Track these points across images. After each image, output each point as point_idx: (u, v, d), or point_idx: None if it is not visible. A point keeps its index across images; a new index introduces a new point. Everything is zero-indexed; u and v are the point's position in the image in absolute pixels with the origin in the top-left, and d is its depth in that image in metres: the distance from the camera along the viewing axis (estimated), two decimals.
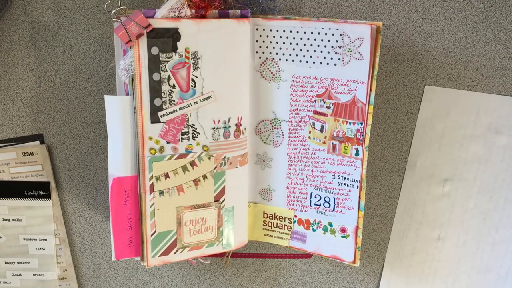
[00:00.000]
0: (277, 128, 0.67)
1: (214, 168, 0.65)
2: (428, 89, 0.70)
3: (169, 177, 0.63)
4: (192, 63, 0.61)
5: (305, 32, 0.62)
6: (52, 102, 0.70)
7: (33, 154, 0.71)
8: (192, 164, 0.64)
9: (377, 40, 0.60)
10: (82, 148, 0.72)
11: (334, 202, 0.67)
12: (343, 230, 0.67)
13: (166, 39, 0.59)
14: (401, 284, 0.77)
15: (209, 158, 0.64)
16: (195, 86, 0.61)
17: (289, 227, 0.70)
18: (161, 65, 0.59)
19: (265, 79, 0.66)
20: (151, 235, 0.64)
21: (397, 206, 0.75)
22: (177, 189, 0.64)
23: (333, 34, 0.61)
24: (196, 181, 0.64)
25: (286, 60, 0.64)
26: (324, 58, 0.63)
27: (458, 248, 0.75)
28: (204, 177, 0.64)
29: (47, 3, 0.67)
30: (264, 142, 0.68)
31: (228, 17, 0.61)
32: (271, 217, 0.71)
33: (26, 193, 0.71)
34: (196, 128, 0.63)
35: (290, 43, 0.63)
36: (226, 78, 0.63)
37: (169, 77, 0.60)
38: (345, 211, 0.66)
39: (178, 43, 0.59)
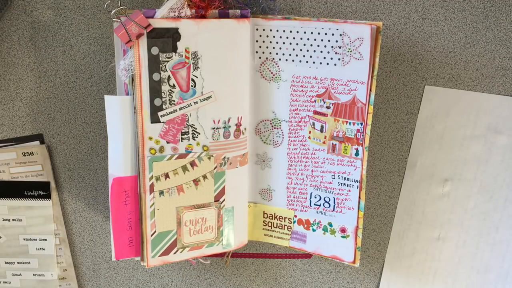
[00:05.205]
0: (277, 128, 0.67)
1: (214, 168, 0.65)
2: (428, 89, 0.70)
3: (169, 177, 0.63)
4: (192, 63, 0.61)
5: (305, 32, 0.62)
6: (52, 102, 0.70)
7: (33, 154, 0.71)
8: (192, 164, 0.64)
9: (377, 40, 0.60)
10: (82, 148, 0.72)
11: (334, 202, 0.67)
12: (343, 230, 0.67)
13: (166, 39, 0.59)
14: (401, 284, 0.77)
15: (209, 158, 0.64)
16: (195, 86, 0.61)
17: (289, 227, 0.70)
18: (161, 65, 0.59)
19: (265, 79, 0.66)
20: (151, 235, 0.64)
21: (397, 206, 0.75)
22: (177, 189, 0.64)
23: (333, 34, 0.61)
24: (196, 181, 0.64)
25: (286, 60, 0.64)
26: (324, 58, 0.63)
27: (458, 248, 0.75)
28: (204, 177, 0.64)
29: (47, 3, 0.67)
30: (264, 142, 0.69)
31: (228, 17, 0.61)
32: (271, 217, 0.71)
33: (26, 193, 0.71)
34: (196, 128, 0.63)
35: (290, 43, 0.63)
36: (226, 78, 0.63)
37: (169, 77, 0.60)
38: (345, 211, 0.66)
39: (178, 43, 0.59)
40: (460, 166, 0.72)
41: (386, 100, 0.71)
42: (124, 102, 0.60)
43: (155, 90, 0.60)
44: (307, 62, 0.64)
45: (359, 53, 0.60)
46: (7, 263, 0.74)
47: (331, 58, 0.62)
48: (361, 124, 0.63)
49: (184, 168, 0.63)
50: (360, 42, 0.60)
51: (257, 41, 0.65)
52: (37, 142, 0.71)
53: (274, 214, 0.70)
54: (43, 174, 0.72)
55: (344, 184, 0.65)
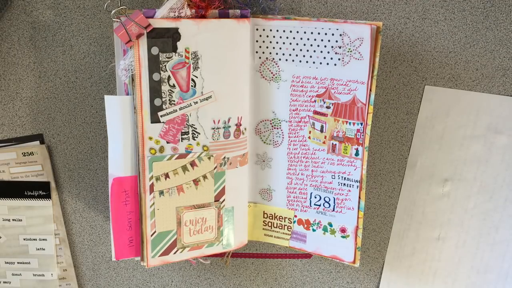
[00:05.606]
0: (277, 128, 0.67)
1: (214, 168, 0.65)
2: (428, 89, 0.70)
3: (169, 177, 0.63)
4: (192, 63, 0.61)
5: (305, 32, 0.62)
6: (52, 102, 0.70)
7: (33, 154, 0.71)
8: (192, 164, 0.64)
9: (377, 40, 0.60)
10: (82, 148, 0.72)
11: (334, 202, 0.67)
12: (343, 230, 0.67)
13: (166, 39, 0.59)
14: (401, 284, 0.77)
15: (209, 158, 0.64)
16: (195, 86, 0.61)
17: (289, 227, 0.70)
18: (161, 65, 0.59)
19: (265, 79, 0.66)
20: (151, 235, 0.64)
21: (397, 206, 0.75)
22: (177, 189, 0.64)
23: (333, 34, 0.61)
24: (196, 181, 0.64)
25: (286, 60, 0.64)
26: (324, 58, 0.63)
27: (458, 248, 0.75)
28: (204, 177, 0.64)
29: (47, 3, 0.67)
30: (264, 142, 0.69)
31: (228, 17, 0.61)
32: (271, 217, 0.71)
33: (26, 193, 0.71)
34: (196, 128, 0.63)
35: (290, 43, 0.63)
36: (226, 78, 0.63)
37: (169, 77, 0.60)
38: (345, 211, 0.66)
39: (178, 43, 0.59)
40: (460, 166, 0.72)
41: (386, 100, 0.71)
42: (124, 102, 0.60)
43: (155, 90, 0.60)
44: (307, 62, 0.64)
45: (359, 53, 0.60)
46: (7, 263, 0.74)
47: (331, 58, 0.62)
48: (361, 124, 0.62)
49: (184, 168, 0.63)
50: (360, 42, 0.60)
51: (257, 41, 0.65)
52: (37, 142, 0.71)
53: (274, 214, 0.70)
54: (43, 174, 0.72)
55: (344, 184, 0.65)
